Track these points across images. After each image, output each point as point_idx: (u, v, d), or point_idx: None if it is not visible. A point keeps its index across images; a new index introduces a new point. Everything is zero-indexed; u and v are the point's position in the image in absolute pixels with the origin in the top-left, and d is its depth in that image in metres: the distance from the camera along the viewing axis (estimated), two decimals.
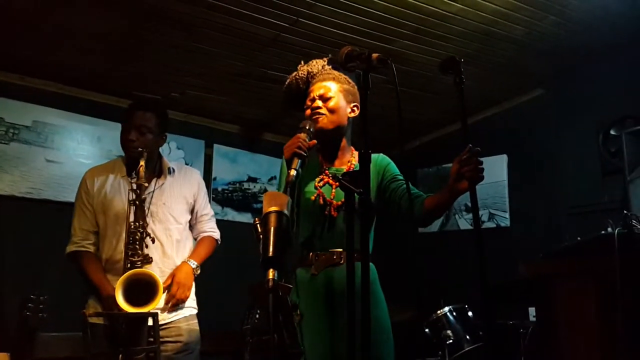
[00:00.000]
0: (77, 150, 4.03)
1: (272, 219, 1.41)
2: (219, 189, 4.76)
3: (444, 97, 4.41)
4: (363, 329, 1.33)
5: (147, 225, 2.49)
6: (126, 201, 2.57)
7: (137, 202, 2.48)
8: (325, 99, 2.08)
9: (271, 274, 1.32)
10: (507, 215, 4.77)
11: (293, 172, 1.79)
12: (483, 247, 1.72)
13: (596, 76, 4.20)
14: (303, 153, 1.84)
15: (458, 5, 3.36)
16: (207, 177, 4.70)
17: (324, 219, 2.01)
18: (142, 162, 2.50)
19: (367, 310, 1.34)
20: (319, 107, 2.06)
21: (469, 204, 4.80)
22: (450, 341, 3.65)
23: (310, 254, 2.02)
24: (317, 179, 2.09)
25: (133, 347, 2.24)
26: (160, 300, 2.54)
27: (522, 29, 3.69)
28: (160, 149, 2.86)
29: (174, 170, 2.80)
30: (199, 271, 2.72)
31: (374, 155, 2.15)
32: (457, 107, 1.80)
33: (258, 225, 1.43)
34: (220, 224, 4.59)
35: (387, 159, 2.22)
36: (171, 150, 4.45)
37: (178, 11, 3.23)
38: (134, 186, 2.48)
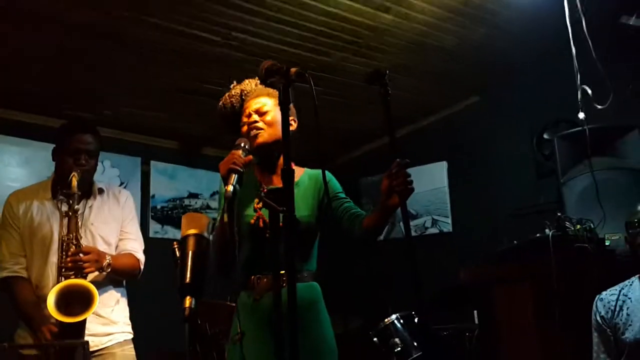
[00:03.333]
0: (4, 172, 3.87)
1: (191, 242, 1.36)
2: (158, 206, 4.64)
3: (381, 106, 4.43)
4: (291, 351, 1.29)
5: (81, 237, 2.41)
6: (54, 224, 2.49)
7: (69, 214, 2.41)
8: (261, 113, 2.05)
9: (187, 301, 1.27)
10: (449, 220, 4.84)
11: (230, 188, 1.75)
12: (415, 258, 1.71)
13: (529, 82, 4.31)
14: (239, 169, 1.80)
15: (390, 17, 3.40)
16: (145, 194, 4.58)
17: (264, 241, 1.94)
18: (74, 173, 2.43)
19: (295, 334, 1.30)
20: (256, 122, 2.03)
21: (412, 211, 4.89)
22: (399, 349, 3.65)
23: (252, 277, 1.97)
24: (256, 200, 2.02)
25: None
26: (94, 323, 2.45)
27: (453, 39, 3.75)
28: None
29: (103, 191, 2.72)
30: (109, 269, 2.53)
31: (314, 171, 2.15)
32: (395, 117, 1.79)
33: (176, 249, 1.38)
34: (159, 242, 4.50)
35: (329, 175, 2.14)
36: (105, 169, 4.32)
37: (110, 27, 3.15)
38: (64, 199, 2.42)
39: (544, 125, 4.20)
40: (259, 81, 2.15)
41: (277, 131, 2.00)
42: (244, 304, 1.97)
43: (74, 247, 2.39)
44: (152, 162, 4.66)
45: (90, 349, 2.34)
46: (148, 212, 4.56)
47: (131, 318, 2.73)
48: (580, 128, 3.22)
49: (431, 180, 4.88)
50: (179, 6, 3.06)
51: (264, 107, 2.06)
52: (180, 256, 1.34)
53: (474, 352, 3.69)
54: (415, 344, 3.69)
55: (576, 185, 3.44)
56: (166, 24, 3.18)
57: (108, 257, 2.52)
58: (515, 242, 3.06)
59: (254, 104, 2.08)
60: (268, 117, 2.04)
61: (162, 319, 3.86)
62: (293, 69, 1.49)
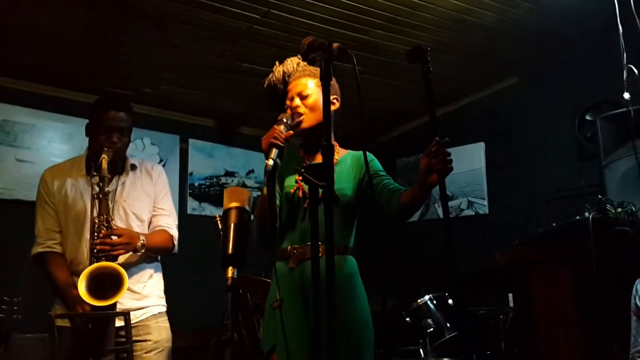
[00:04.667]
0: (48, 148, 3.97)
1: (233, 215, 1.38)
2: (196, 184, 4.71)
3: (421, 85, 4.38)
4: (329, 319, 1.31)
5: (112, 219, 2.44)
6: (87, 200, 2.51)
7: (100, 196, 2.42)
8: (303, 96, 2.07)
9: (230, 272, 1.29)
10: (485, 202, 4.78)
11: (270, 162, 1.77)
12: (452, 238, 1.70)
13: (571, 62, 4.20)
14: (280, 143, 1.83)
15: None
16: (184, 172, 4.65)
17: (303, 211, 1.99)
18: (104, 155, 2.44)
19: (333, 304, 1.31)
20: (298, 106, 2.05)
21: (448, 193, 4.85)
22: (431, 329, 3.66)
23: (289, 247, 2.00)
24: (298, 175, 2.05)
25: (100, 349, 2.20)
26: (127, 298, 2.50)
27: (495, 16, 3.67)
28: (134, 145, 2.80)
29: (136, 167, 2.73)
30: (143, 250, 2.55)
31: (357, 153, 2.18)
32: (433, 96, 1.77)
33: (219, 221, 1.40)
34: (197, 219, 4.58)
35: (370, 155, 2.18)
36: (145, 146, 4.39)
37: (149, 5, 3.17)
38: (97, 179, 2.42)
39: (587, 106, 4.10)
40: (301, 59, 2.15)
41: (320, 114, 1.98)
42: (280, 272, 1.99)
43: (104, 229, 2.40)
44: (191, 140, 4.72)
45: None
46: (186, 190, 4.63)
47: (168, 292, 2.77)
48: (624, 109, 3.13)
49: (468, 162, 4.82)
50: None
51: (306, 89, 2.07)
52: (222, 228, 1.37)
53: (509, 335, 3.66)
54: (448, 324, 3.69)
55: (619, 167, 3.35)
56: (205, 2, 3.19)
57: (142, 238, 2.54)
58: (554, 224, 3.01)
59: (296, 87, 2.09)
60: (310, 101, 2.06)
61: (198, 293, 3.97)
62: (335, 44, 1.49)
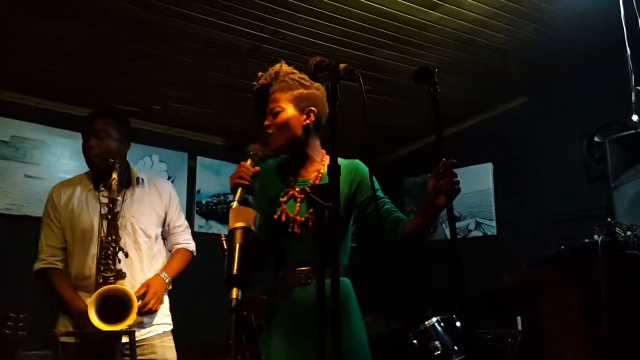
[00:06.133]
0: (57, 165, 3.98)
1: (238, 235, 1.37)
2: (203, 201, 4.71)
3: (427, 105, 4.38)
4: (334, 347, 1.29)
5: (120, 239, 2.44)
6: (94, 215, 2.53)
7: (109, 217, 2.42)
8: (274, 114, 1.97)
9: (234, 293, 1.28)
10: (493, 223, 4.75)
11: (235, 204, 1.71)
12: (461, 260, 1.68)
13: (579, 83, 4.20)
14: (246, 182, 1.78)
15: (437, 14, 3.35)
16: (191, 189, 4.65)
17: (287, 236, 1.93)
18: (114, 175, 2.44)
19: (338, 330, 1.29)
20: (268, 126, 1.98)
21: (456, 213, 4.82)
22: (439, 352, 3.61)
23: (280, 272, 1.96)
24: (282, 193, 2.00)
25: None
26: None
27: (503, 37, 3.68)
28: (143, 162, 2.81)
29: (143, 181, 2.74)
30: (170, 286, 2.66)
31: (347, 162, 2.04)
32: (441, 117, 1.76)
33: (224, 241, 1.39)
34: (204, 237, 4.57)
35: (363, 167, 2.05)
36: (154, 164, 4.40)
37: (158, 23, 3.21)
38: (106, 200, 2.43)
39: (595, 128, 4.09)
40: (281, 68, 2.06)
41: (290, 131, 1.96)
42: (272, 299, 1.96)
43: (112, 249, 2.41)
44: (199, 158, 4.74)
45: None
46: (193, 207, 4.64)
47: (174, 310, 2.77)
48: (633, 131, 3.12)
49: (476, 182, 4.80)
50: (226, 2, 3.09)
51: (276, 107, 1.97)
52: (227, 248, 1.36)
53: (517, 358, 3.61)
54: (455, 347, 3.65)
55: (628, 190, 3.32)
56: (214, 21, 3.22)
57: (165, 277, 2.62)
58: (562, 247, 2.99)
59: (270, 103, 2.00)
60: (279, 118, 1.96)
61: (204, 312, 3.94)
62: (342, 65, 1.49)
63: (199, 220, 4.65)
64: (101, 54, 3.53)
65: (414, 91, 4.17)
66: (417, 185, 5.23)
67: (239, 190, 1.77)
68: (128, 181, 2.69)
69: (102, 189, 2.49)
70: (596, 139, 4.08)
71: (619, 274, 2.66)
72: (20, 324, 2.26)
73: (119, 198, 2.55)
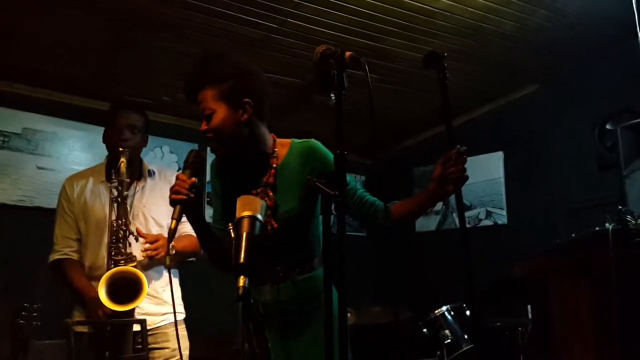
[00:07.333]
0: (68, 156, 4.01)
1: (245, 224, 1.38)
2: None
3: (437, 94, 4.36)
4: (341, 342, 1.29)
5: (130, 223, 2.47)
6: (107, 206, 2.55)
7: (119, 200, 2.46)
8: (206, 116, 1.79)
9: (242, 281, 1.29)
10: (504, 212, 4.74)
11: (173, 224, 1.66)
12: (469, 249, 1.68)
13: (591, 70, 4.16)
14: (182, 197, 1.68)
15: (446, 1, 3.33)
16: (201, 180, 4.67)
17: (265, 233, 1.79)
18: (123, 159, 2.48)
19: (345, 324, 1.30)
20: (206, 132, 1.80)
21: (466, 202, 4.81)
22: (449, 341, 3.62)
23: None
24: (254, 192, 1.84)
25: (119, 355, 2.21)
26: (148, 304, 2.52)
27: (513, 24, 3.65)
28: (153, 154, 2.84)
29: (154, 173, 2.78)
30: (174, 251, 2.57)
31: (302, 143, 1.90)
32: (450, 105, 1.74)
33: (231, 230, 1.40)
34: (213, 227, 4.58)
35: (321, 152, 1.87)
36: (164, 155, 4.42)
37: (165, 14, 3.21)
38: (116, 183, 2.46)
39: (607, 115, 4.05)
40: (204, 57, 1.85)
41: (228, 132, 1.78)
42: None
43: (122, 232, 2.44)
44: (209, 149, 4.74)
45: None
46: (203, 198, 4.66)
47: (183, 299, 2.79)
48: None
49: (486, 171, 4.78)
50: None
51: (207, 107, 1.78)
52: (234, 237, 1.37)
53: (527, 348, 3.61)
54: (465, 336, 3.65)
55: (639, 177, 3.30)
56: (222, 11, 3.22)
57: (172, 246, 2.57)
58: (573, 235, 2.97)
59: (200, 103, 1.80)
60: (213, 122, 1.77)
61: (213, 300, 3.97)
62: (348, 53, 1.48)
63: (208, 211, 4.66)
64: (111, 47, 3.54)
65: (424, 80, 4.14)
66: (427, 175, 5.20)
67: (177, 208, 1.68)
68: (140, 173, 2.73)
69: (114, 180, 2.52)
70: (607, 126, 4.05)
71: (630, 261, 2.65)
72: (34, 314, 2.30)
73: (130, 189, 2.58)
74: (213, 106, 1.77)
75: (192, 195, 1.70)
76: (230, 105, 1.78)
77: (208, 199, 4.70)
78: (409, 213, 1.84)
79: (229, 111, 1.78)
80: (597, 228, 2.84)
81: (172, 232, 1.69)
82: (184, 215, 1.75)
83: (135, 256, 2.45)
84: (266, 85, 1.86)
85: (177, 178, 1.72)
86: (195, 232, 1.89)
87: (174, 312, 1.90)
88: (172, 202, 1.69)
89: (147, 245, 2.48)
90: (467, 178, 1.71)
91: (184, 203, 1.68)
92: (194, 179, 1.73)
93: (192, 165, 1.77)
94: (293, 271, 1.84)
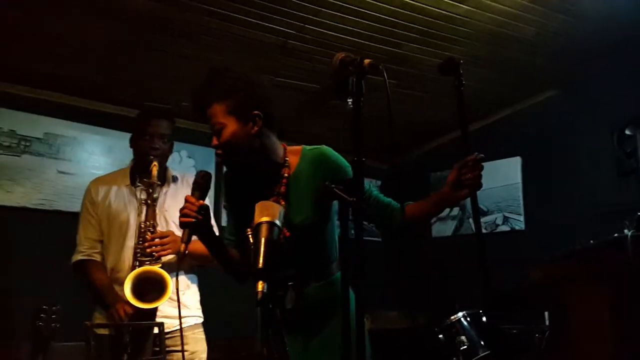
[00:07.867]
0: (88, 161, 4.06)
1: (264, 229, 1.39)
2: None
3: (454, 99, 4.37)
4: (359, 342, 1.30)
5: (157, 225, 2.50)
6: (131, 210, 2.60)
7: (148, 202, 2.51)
8: (216, 132, 1.79)
9: (260, 286, 1.30)
10: (521, 218, 4.71)
11: (182, 247, 1.69)
12: (486, 254, 1.68)
13: (610, 75, 4.13)
14: (191, 220, 1.70)
15: (465, 7, 3.33)
16: (218, 184, 4.70)
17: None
18: (155, 162, 2.54)
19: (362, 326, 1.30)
20: (217, 147, 1.80)
21: (483, 208, 4.79)
22: (465, 347, 3.60)
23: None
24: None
25: (138, 358, 2.24)
26: (168, 306, 2.54)
27: (532, 30, 3.64)
28: (171, 158, 2.88)
29: (177, 178, 2.81)
30: (187, 252, 2.61)
31: (313, 151, 1.91)
32: (468, 110, 1.75)
33: (250, 235, 1.42)
34: None
35: (333, 159, 1.87)
36: (182, 159, 4.46)
37: (184, 20, 3.25)
38: (147, 185, 2.52)
39: (626, 121, 4.02)
40: (211, 72, 1.88)
41: (240, 145, 1.79)
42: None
43: (149, 233, 2.49)
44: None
45: None
46: (221, 202, 4.69)
47: (202, 303, 2.82)
48: None
49: (504, 176, 4.75)
50: None
51: (217, 123, 1.79)
52: (253, 242, 1.39)
53: (544, 354, 3.58)
54: (482, 342, 3.63)
55: None
56: (240, 17, 3.25)
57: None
58: (591, 241, 2.95)
59: (209, 118, 1.81)
60: (224, 136, 1.78)
61: (232, 305, 3.98)
62: (367, 60, 1.49)
63: (226, 216, 4.70)
64: (131, 52, 3.58)
65: (442, 85, 4.12)
66: (443, 180, 5.15)
67: (185, 232, 1.70)
68: (164, 179, 2.76)
69: (139, 184, 2.56)
70: (627, 132, 4.02)
71: None
72: (53, 316, 2.33)
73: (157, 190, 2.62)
74: (223, 121, 1.78)
75: (201, 218, 1.72)
76: (240, 119, 1.79)
77: (225, 203, 4.73)
78: (422, 214, 1.86)
79: (239, 125, 1.79)
80: (615, 234, 2.82)
81: (182, 255, 1.72)
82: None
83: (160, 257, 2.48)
84: (271, 94, 1.88)
85: (186, 200, 1.73)
86: (209, 250, 1.90)
87: (179, 316, 1.89)
88: (182, 225, 1.72)
89: (157, 239, 2.49)
90: (481, 185, 1.72)
91: (193, 226, 1.71)
92: (202, 201, 1.75)
93: (201, 187, 1.79)
94: (311, 276, 1.86)
